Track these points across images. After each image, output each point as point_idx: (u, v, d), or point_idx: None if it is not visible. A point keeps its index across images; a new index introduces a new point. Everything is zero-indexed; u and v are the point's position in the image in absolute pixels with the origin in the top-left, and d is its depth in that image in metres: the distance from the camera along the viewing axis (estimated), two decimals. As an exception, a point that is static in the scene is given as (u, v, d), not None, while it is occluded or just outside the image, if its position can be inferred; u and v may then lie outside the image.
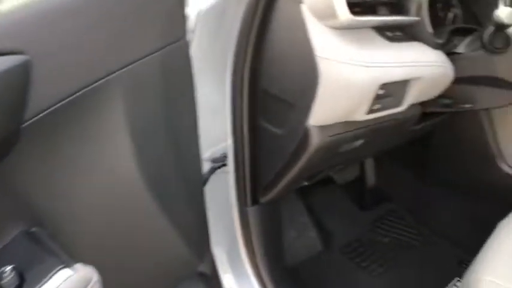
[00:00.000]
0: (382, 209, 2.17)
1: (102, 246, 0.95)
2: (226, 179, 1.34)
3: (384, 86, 1.13)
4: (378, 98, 1.15)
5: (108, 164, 0.89)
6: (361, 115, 1.17)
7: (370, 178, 2.17)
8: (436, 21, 1.50)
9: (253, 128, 1.27)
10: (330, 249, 1.89)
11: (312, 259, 1.84)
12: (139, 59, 0.85)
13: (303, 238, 1.87)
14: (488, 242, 1.32)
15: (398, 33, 1.25)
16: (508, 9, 1.26)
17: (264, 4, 1.11)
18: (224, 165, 1.36)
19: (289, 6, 1.09)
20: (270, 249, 1.48)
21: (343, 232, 1.99)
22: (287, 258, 1.72)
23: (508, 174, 1.84)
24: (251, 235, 1.41)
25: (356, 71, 1.07)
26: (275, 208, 1.54)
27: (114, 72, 0.81)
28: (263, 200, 1.38)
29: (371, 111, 1.18)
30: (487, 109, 1.74)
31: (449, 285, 1.80)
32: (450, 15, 1.60)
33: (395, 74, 1.16)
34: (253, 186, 1.35)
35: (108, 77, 0.80)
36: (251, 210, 1.38)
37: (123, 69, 0.82)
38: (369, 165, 2.15)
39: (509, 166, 1.84)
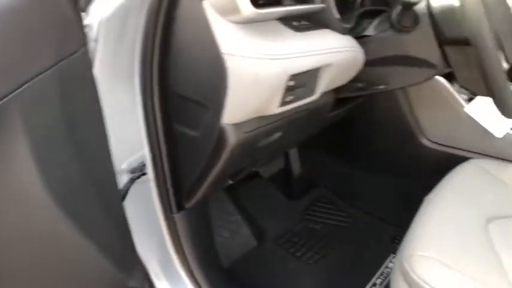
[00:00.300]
0: (310, 197, 2.23)
1: (19, 278, 0.91)
2: (147, 188, 1.33)
3: (294, 76, 1.13)
4: (289, 89, 1.16)
5: (14, 190, 0.84)
6: (274, 108, 1.18)
7: (296, 168, 2.22)
8: (345, 5, 1.53)
9: (169, 133, 1.27)
10: (264, 244, 1.93)
11: (248, 256, 1.87)
12: (36, 76, 0.81)
13: (236, 237, 1.90)
14: (416, 217, 1.37)
15: (304, 23, 1.26)
16: None
17: (167, 4, 1.11)
18: (143, 174, 1.35)
19: (192, 4, 1.09)
20: (203, 252, 1.48)
21: (276, 225, 2.03)
22: (222, 258, 1.73)
23: (429, 148, 1.92)
24: (181, 241, 1.39)
25: (263, 65, 1.06)
26: (202, 211, 1.54)
27: (8, 94, 0.77)
28: (188, 205, 1.37)
29: (284, 103, 1.19)
30: (401, 88, 1.79)
31: (386, 262, 1.85)
32: None
33: (304, 64, 1.16)
34: (176, 192, 1.35)
35: (2, 101, 0.76)
36: (178, 217, 1.37)
37: (19, 90, 0.78)
38: (293, 155, 2.19)
39: (430, 140, 1.92)
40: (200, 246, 1.48)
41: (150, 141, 1.26)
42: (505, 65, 1.36)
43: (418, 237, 1.33)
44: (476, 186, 1.61)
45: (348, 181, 2.26)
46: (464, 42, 1.31)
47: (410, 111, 1.90)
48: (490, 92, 1.31)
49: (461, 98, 1.82)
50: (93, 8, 1.19)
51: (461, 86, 1.76)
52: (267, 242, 1.94)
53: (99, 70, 1.18)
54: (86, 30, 1.14)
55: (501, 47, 1.32)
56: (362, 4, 1.65)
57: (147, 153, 1.27)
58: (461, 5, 1.24)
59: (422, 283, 1.20)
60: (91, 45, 1.18)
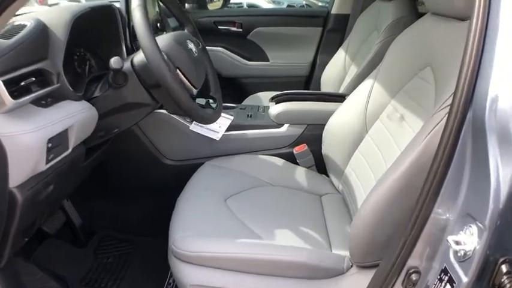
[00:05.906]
0: (96, 240, 2.38)
1: None
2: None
3: (51, 139, 1.35)
4: (49, 150, 1.37)
5: None
6: (43, 166, 1.37)
7: (76, 219, 2.33)
8: (77, 76, 1.77)
9: None
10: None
11: None
12: None
13: (47, 289, 1.98)
14: (173, 215, 1.68)
15: (49, 99, 1.47)
16: (115, 57, 1.58)
17: None
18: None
19: None
20: None
21: (75, 270, 2.15)
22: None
23: (172, 166, 2.27)
24: None
25: (28, 137, 1.28)
26: (14, 270, 1.61)
27: None
28: (1, 264, 1.46)
29: (48, 161, 1.38)
30: (134, 126, 2.04)
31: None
32: (87, 68, 1.88)
33: (55, 129, 1.38)
34: None
35: None
36: None
37: None
38: (70, 208, 2.31)
39: (171, 159, 2.28)
40: None
41: None
42: (194, 90, 1.72)
43: (175, 226, 1.61)
44: (212, 178, 1.94)
45: (121, 216, 2.44)
46: (159, 85, 1.59)
47: (151, 143, 2.19)
48: (185, 112, 1.63)
49: (185, 121, 2.18)
50: None
51: (171, 113, 2.12)
52: (74, 286, 2.05)
53: None
54: None
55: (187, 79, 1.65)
56: (90, 71, 1.88)
57: None
58: (147, 60, 1.50)
59: (190, 253, 1.46)
60: None
